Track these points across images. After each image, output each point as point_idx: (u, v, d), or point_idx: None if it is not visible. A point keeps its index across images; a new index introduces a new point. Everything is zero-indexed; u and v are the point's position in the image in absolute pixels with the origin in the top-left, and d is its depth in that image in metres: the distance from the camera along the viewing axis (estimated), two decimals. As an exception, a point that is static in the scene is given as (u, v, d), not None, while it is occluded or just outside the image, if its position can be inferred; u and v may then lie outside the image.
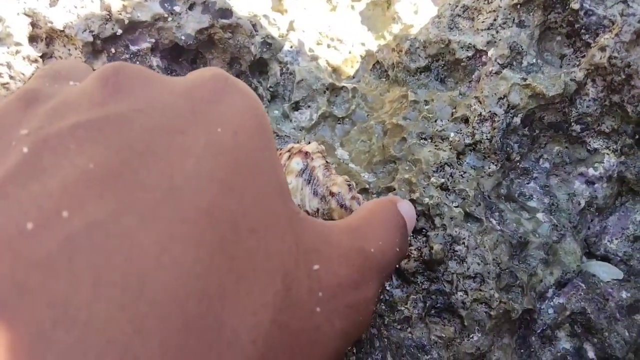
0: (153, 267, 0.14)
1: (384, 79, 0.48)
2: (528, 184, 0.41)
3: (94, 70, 0.22)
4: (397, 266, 0.36)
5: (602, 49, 0.38)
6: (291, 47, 0.45)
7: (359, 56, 0.50)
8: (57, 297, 0.12)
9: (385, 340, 0.32)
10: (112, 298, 0.13)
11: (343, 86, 0.45)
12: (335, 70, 0.48)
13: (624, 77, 0.38)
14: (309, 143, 0.36)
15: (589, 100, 0.39)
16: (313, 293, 0.20)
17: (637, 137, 0.42)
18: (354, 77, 0.50)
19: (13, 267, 0.13)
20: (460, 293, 0.35)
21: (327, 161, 0.36)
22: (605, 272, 0.41)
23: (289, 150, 0.35)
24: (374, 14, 0.74)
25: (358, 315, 0.22)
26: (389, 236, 0.26)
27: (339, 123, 0.45)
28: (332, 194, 0.33)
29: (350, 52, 0.50)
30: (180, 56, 0.40)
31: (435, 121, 0.41)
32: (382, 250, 0.25)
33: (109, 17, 0.36)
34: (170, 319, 0.14)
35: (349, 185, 0.34)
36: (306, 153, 0.35)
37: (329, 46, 0.48)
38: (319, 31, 0.50)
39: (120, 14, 0.36)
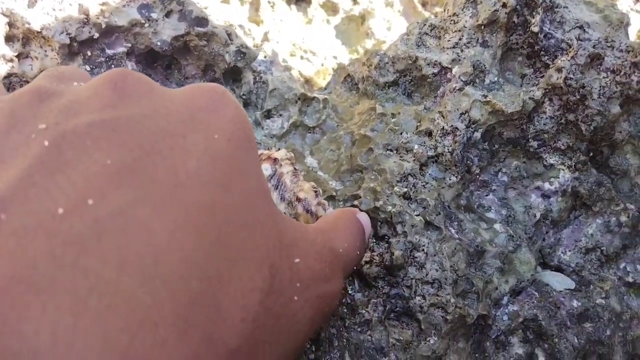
0: (164, 250, 0.16)
1: (354, 92, 0.50)
2: (487, 195, 0.43)
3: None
4: (359, 270, 0.37)
5: (559, 70, 0.41)
6: (265, 57, 0.46)
7: (331, 69, 0.52)
8: (90, 270, 0.14)
9: (345, 340, 0.33)
10: (133, 274, 0.15)
11: (314, 97, 0.47)
12: (308, 81, 0.50)
13: (578, 97, 0.41)
14: (279, 150, 0.38)
15: (546, 118, 0.42)
16: (293, 283, 0.22)
17: (590, 154, 0.44)
18: (325, 89, 0.51)
19: (50, 245, 0.14)
20: (418, 298, 0.36)
21: (295, 168, 0.37)
22: (558, 281, 0.43)
23: (261, 156, 0.36)
24: (348, 29, 0.76)
25: (325, 306, 0.25)
26: (352, 240, 0.29)
27: (310, 132, 0.47)
28: (298, 199, 0.35)
29: (322, 65, 0.52)
30: (155, 61, 0.41)
31: (401, 133, 0.43)
32: (347, 251, 0.28)
33: (86, 20, 0.37)
34: (179, 294, 0.16)
35: (315, 191, 0.35)
36: (275, 159, 0.36)
37: (302, 58, 0.50)
38: (293, 43, 0.51)
39: (98, 18, 0.37)
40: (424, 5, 0.82)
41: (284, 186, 0.35)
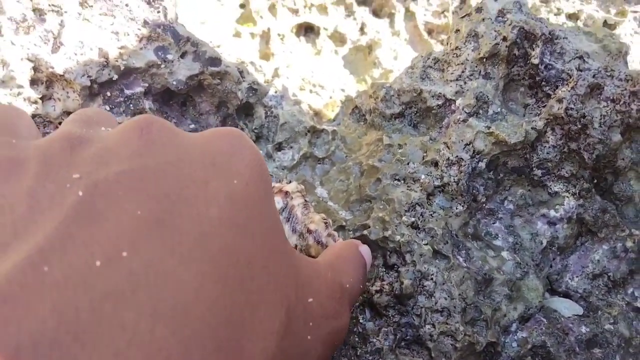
0: (193, 300, 0.17)
1: (362, 123, 0.51)
2: (494, 223, 0.43)
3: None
4: (370, 299, 0.38)
5: (560, 100, 0.42)
6: (276, 92, 0.48)
7: (339, 101, 0.54)
8: (128, 323, 0.15)
9: (356, 369, 0.34)
10: (166, 324, 0.16)
11: (323, 129, 0.48)
12: (317, 114, 0.51)
13: (580, 126, 0.42)
14: (290, 182, 0.39)
15: (549, 147, 0.43)
16: (306, 323, 0.24)
17: (594, 181, 0.45)
18: (334, 120, 0.53)
19: (90, 297, 0.15)
20: (428, 326, 0.37)
21: (306, 200, 0.39)
22: (567, 307, 0.43)
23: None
24: (356, 59, 0.78)
25: (335, 341, 0.27)
26: (357, 273, 0.31)
27: (319, 163, 0.48)
28: (309, 231, 0.36)
29: (331, 97, 0.54)
30: (171, 99, 0.43)
31: (408, 164, 0.44)
32: (353, 285, 0.30)
33: (106, 63, 0.39)
34: (207, 341, 0.17)
35: (325, 223, 0.37)
36: (286, 192, 0.37)
37: (311, 91, 0.52)
38: (302, 77, 0.53)
39: (117, 60, 0.39)
40: (429, 33, 0.84)
41: (295, 218, 0.37)
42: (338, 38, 0.77)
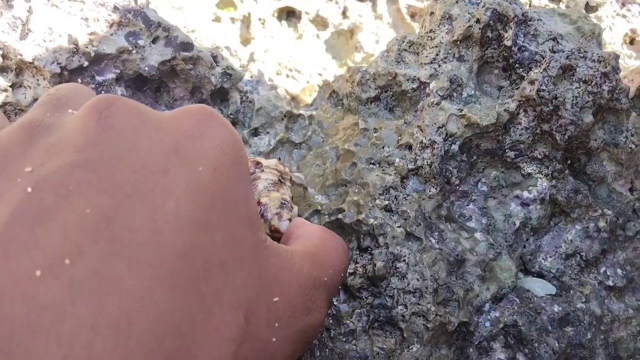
0: (138, 309, 0.16)
1: (340, 107, 0.51)
2: (467, 205, 0.44)
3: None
4: (344, 282, 0.39)
5: (532, 82, 0.42)
6: (251, 77, 0.48)
7: (317, 85, 0.54)
8: (65, 337, 0.14)
9: (327, 350, 0.35)
10: (107, 337, 0.15)
11: (300, 114, 0.48)
12: (294, 99, 0.51)
13: (551, 107, 0.42)
14: (274, 160, 0.38)
15: (522, 129, 0.43)
16: (270, 324, 0.22)
17: (568, 162, 0.46)
18: (312, 105, 0.53)
19: (27, 310, 0.15)
20: (400, 307, 0.38)
21: (281, 180, 0.38)
22: (540, 287, 0.44)
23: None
24: (338, 43, 0.78)
25: (307, 337, 0.24)
26: (338, 264, 0.29)
27: (296, 148, 0.48)
28: (259, 203, 0.35)
29: (308, 82, 0.54)
30: (144, 85, 0.43)
31: (383, 147, 0.45)
32: (332, 277, 0.27)
33: (76, 50, 0.38)
34: (153, 354, 0.16)
35: (282, 203, 0.36)
36: (257, 163, 0.37)
37: (287, 76, 0.52)
38: (279, 62, 0.53)
39: (87, 47, 0.39)
40: (412, 16, 0.84)
41: (254, 188, 0.36)
42: (320, 22, 0.77)
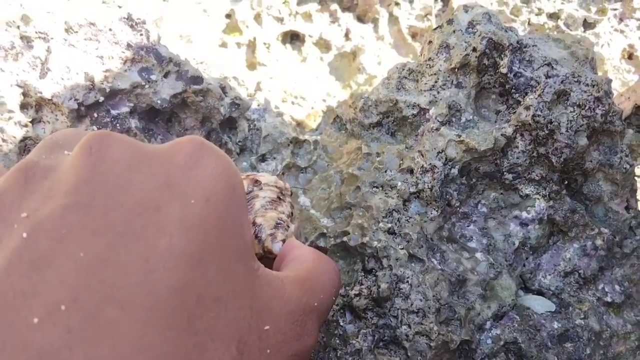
0: (133, 352, 0.16)
1: (343, 132, 0.53)
2: (468, 226, 0.46)
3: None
4: (350, 303, 0.40)
5: (527, 108, 0.44)
6: (258, 105, 0.50)
7: (321, 111, 0.56)
8: None
9: (333, 370, 0.36)
10: None
11: (305, 139, 0.50)
12: (299, 124, 0.53)
13: (547, 132, 0.44)
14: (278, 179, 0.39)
15: (519, 152, 0.45)
16: (262, 352, 0.22)
17: (565, 182, 0.47)
18: (316, 130, 0.55)
19: (26, 358, 0.15)
20: (404, 327, 0.39)
21: (280, 197, 0.38)
22: (540, 305, 0.45)
23: (246, 177, 0.37)
24: (341, 65, 0.80)
25: None
26: (329, 288, 0.29)
27: (302, 172, 0.50)
28: (254, 224, 0.35)
29: (312, 108, 0.56)
30: (156, 117, 0.45)
31: (385, 171, 0.47)
32: (323, 302, 0.27)
33: (92, 86, 0.41)
34: None
35: (277, 223, 0.36)
36: (256, 181, 0.37)
37: (292, 103, 0.54)
38: (284, 90, 0.55)
39: (102, 83, 0.41)
40: (413, 36, 0.86)
41: (250, 208, 0.36)
42: (323, 45, 0.79)
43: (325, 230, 0.45)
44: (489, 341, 0.42)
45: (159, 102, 0.43)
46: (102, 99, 0.41)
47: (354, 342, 0.40)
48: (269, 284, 0.24)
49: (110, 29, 0.42)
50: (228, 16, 0.75)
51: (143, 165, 0.21)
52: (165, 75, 0.43)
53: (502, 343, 0.41)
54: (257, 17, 0.76)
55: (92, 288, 0.17)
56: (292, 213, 0.38)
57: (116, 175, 0.20)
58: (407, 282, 0.40)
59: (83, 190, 0.19)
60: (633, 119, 0.62)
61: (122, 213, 0.19)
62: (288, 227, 0.36)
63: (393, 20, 0.86)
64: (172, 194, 0.20)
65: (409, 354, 0.39)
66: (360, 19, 0.84)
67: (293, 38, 0.79)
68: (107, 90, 0.41)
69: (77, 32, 0.41)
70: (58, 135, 0.24)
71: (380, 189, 0.46)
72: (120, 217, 0.18)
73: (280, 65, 0.71)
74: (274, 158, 0.49)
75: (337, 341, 0.40)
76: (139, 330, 0.17)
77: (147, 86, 0.42)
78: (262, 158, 0.49)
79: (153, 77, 0.43)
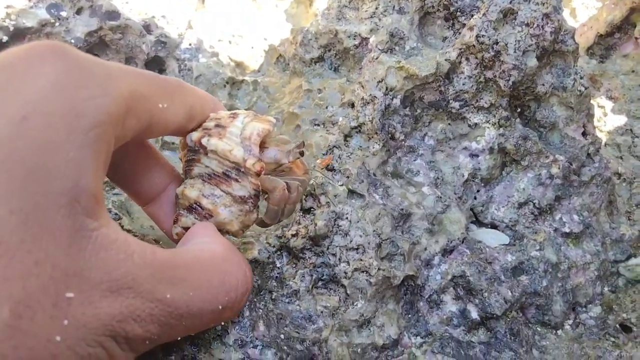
0: None
1: (287, 71, 0.50)
2: (415, 160, 0.43)
3: None
4: (286, 244, 0.38)
5: (471, 28, 0.41)
6: (190, 44, 0.46)
7: (263, 51, 0.52)
8: None
9: (260, 310, 0.34)
10: None
11: (243, 80, 0.47)
12: (239, 65, 0.50)
13: (493, 53, 0.41)
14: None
15: (465, 78, 0.42)
16: (55, 321, 0.18)
17: (517, 110, 0.45)
18: (259, 71, 0.52)
19: None
20: (343, 264, 0.37)
21: (226, 174, 0.30)
22: (492, 238, 0.43)
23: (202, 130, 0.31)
24: (297, 12, 0.76)
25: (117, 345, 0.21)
26: (210, 296, 0.23)
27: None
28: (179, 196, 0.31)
29: (252, 47, 0.53)
30: (75, 59, 0.42)
31: (327, 107, 0.44)
32: (187, 302, 0.22)
33: (-6, 25, 0.37)
34: None
35: (192, 207, 0.31)
36: (201, 145, 0.29)
37: (230, 42, 0.50)
38: (220, 29, 0.52)
39: (5, 21, 0.38)
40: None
41: (188, 171, 0.31)
42: (278, -9, 0.75)
43: (263, 172, 0.42)
44: (438, 277, 0.40)
45: (72, 41, 0.40)
46: (6, 38, 0.38)
47: (290, 283, 0.37)
48: (106, 251, 0.19)
49: (10, -39, 0.38)
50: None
51: None
52: (78, 12, 0.40)
53: (449, 277, 0.39)
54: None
55: None
56: (253, 196, 0.30)
57: None
58: (347, 218, 0.38)
59: None
60: (595, 49, 0.59)
61: None
62: (210, 216, 0.30)
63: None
64: None
65: (348, 292, 0.37)
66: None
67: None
68: (11, 28, 0.38)
69: (-28, -35, 0.37)
70: None
71: (322, 126, 0.43)
72: None
73: (230, 10, 0.67)
74: (211, 101, 0.46)
75: (274, 283, 0.37)
76: None
77: (57, 24, 0.39)
78: (198, 101, 0.46)
79: (64, 14, 0.39)
